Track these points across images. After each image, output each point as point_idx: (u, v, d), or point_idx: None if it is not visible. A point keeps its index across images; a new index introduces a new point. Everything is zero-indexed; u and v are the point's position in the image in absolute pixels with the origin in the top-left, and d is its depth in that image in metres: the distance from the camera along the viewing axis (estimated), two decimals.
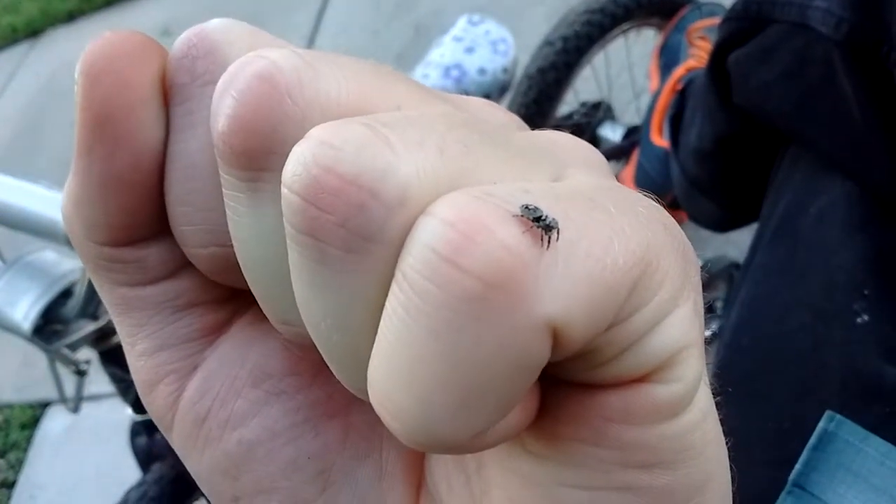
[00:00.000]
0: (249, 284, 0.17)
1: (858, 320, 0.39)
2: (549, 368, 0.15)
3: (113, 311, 0.20)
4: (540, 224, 0.14)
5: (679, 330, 0.15)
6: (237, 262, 0.17)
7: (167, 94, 0.18)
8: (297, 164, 0.14)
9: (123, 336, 0.20)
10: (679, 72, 1.10)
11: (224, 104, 0.15)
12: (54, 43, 3.29)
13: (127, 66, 0.17)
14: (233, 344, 0.20)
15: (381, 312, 0.14)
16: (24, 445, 2.01)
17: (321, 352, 0.16)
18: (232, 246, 0.17)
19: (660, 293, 0.15)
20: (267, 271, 0.17)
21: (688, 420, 0.16)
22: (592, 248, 0.14)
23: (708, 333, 1.48)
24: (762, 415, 0.41)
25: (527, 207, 0.14)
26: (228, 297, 0.20)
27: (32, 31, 3.39)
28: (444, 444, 0.14)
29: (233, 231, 0.17)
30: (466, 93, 1.24)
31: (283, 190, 0.14)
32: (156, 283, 0.20)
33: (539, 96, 1.41)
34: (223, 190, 0.17)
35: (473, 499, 0.19)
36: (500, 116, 0.18)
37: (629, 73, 1.63)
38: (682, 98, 0.80)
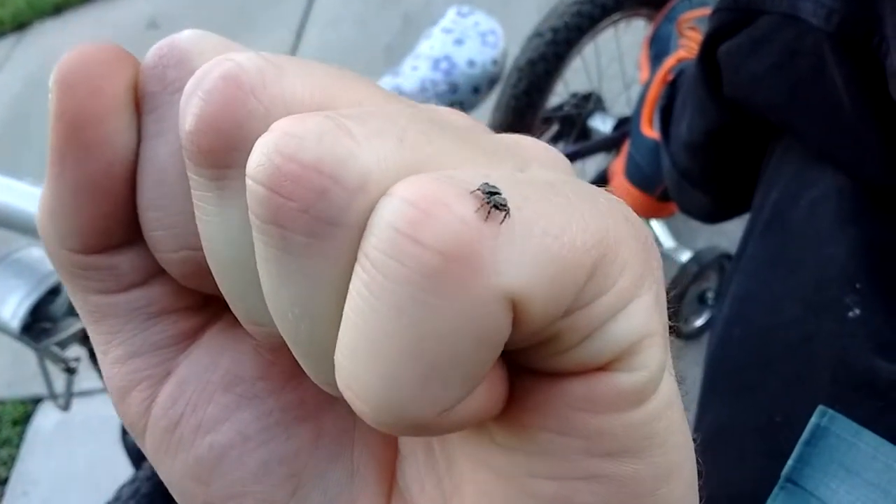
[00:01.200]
0: (219, 286, 0.18)
1: (850, 314, 0.39)
2: (516, 357, 0.16)
3: (86, 319, 0.20)
4: (492, 200, 0.14)
5: (641, 318, 0.16)
6: (208, 266, 0.18)
7: (139, 104, 0.18)
8: (260, 155, 0.15)
9: (97, 344, 0.20)
10: (669, 63, 1.09)
11: (191, 104, 0.16)
12: (41, 36, 3.27)
13: (100, 76, 0.18)
14: (205, 350, 0.21)
15: (345, 298, 0.15)
16: (16, 441, 2.00)
17: (290, 346, 0.17)
18: (201, 250, 0.18)
19: (620, 281, 0.15)
20: (235, 271, 0.17)
21: (652, 408, 0.16)
22: (549, 227, 0.14)
23: (699, 323, 1.49)
24: (754, 408, 0.41)
25: (486, 184, 0.14)
26: (201, 305, 0.21)
27: (19, 24, 3.37)
28: (410, 423, 0.15)
29: (202, 232, 0.17)
30: (456, 85, 1.24)
31: (248, 182, 0.15)
32: (129, 291, 0.20)
33: (529, 88, 1.41)
34: (192, 192, 0.17)
35: (445, 498, 0.19)
36: (466, 120, 0.18)
37: (619, 64, 1.63)
38: (672, 89, 0.80)
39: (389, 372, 0.14)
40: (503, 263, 0.14)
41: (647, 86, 1.12)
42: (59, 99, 0.18)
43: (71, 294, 0.20)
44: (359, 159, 0.14)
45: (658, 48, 1.23)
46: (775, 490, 0.36)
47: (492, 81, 1.28)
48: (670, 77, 1.04)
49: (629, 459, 0.16)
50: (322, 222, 0.14)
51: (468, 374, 0.15)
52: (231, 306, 0.18)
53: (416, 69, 1.24)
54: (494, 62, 1.25)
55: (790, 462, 0.36)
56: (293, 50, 2.71)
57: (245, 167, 0.15)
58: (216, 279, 0.18)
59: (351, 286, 0.15)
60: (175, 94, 0.18)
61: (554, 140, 1.63)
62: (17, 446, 1.99)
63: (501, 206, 0.14)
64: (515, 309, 0.14)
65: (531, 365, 0.16)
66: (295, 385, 0.21)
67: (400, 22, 2.58)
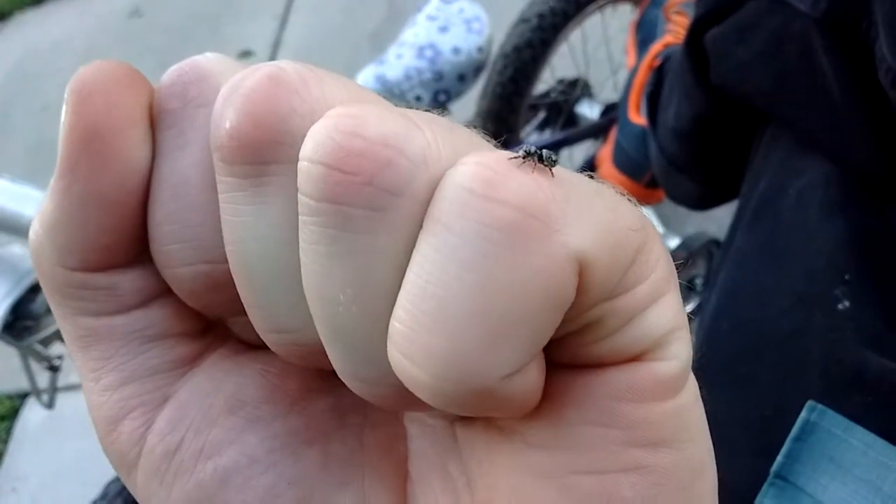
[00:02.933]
0: (244, 293, 0.18)
1: (840, 306, 0.38)
2: (556, 349, 0.17)
3: (76, 345, 0.20)
4: (544, 160, 0.16)
5: (673, 310, 0.17)
6: (222, 281, 0.18)
7: (154, 122, 0.19)
8: (319, 135, 0.15)
9: (86, 371, 0.20)
10: (656, 48, 1.08)
11: (231, 103, 0.16)
12: (22, 26, 3.23)
13: (117, 89, 0.18)
14: (207, 375, 0.20)
15: (402, 272, 0.15)
16: (4, 437, 1.99)
17: (330, 340, 0.17)
18: (220, 263, 0.18)
19: (656, 271, 0.16)
20: (266, 272, 0.17)
21: (686, 398, 0.17)
22: (607, 202, 0.15)
23: (688, 310, 1.50)
24: (743, 402, 0.40)
25: (530, 147, 0.16)
26: (201, 331, 0.20)
27: (0, 15, 3.33)
28: (473, 387, 0.15)
29: (231, 235, 0.17)
30: (441, 73, 1.23)
31: (303, 164, 0.15)
32: (128, 312, 0.19)
33: (515, 75, 1.40)
34: (221, 194, 0.17)
35: None
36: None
37: (606, 49, 1.62)
38: (659, 75, 0.79)
39: (458, 331, 0.14)
40: (574, 226, 0.15)
41: (633, 72, 1.12)
42: (75, 110, 0.17)
43: (60, 317, 0.19)
44: (419, 135, 0.15)
45: (645, 33, 1.22)
46: (765, 486, 0.35)
47: (477, 69, 1.27)
48: (657, 62, 1.03)
49: (667, 450, 0.17)
50: (387, 193, 0.15)
51: (534, 337, 0.15)
52: (254, 315, 0.18)
53: (400, 57, 1.22)
54: (480, 49, 1.24)
55: (779, 458, 0.35)
56: (277, 37, 2.69)
57: (287, 163, 0.16)
58: (241, 283, 0.18)
59: (416, 254, 0.15)
60: (199, 109, 0.18)
61: (541, 127, 1.63)
62: (5, 442, 1.98)
63: (554, 163, 0.16)
64: (580, 273, 0.15)
65: (570, 356, 0.17)
66: (301, 408, 0.20)
67: (385, 9, 2.56)
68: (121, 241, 0.18)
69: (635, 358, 0.17)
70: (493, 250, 0.14)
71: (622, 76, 1.38)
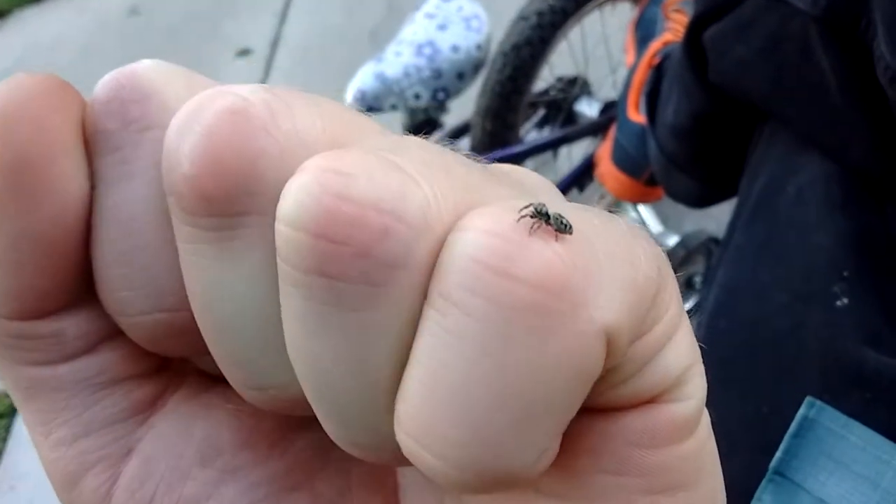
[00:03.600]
0: (215, 350, 0.16)
1: (838, 303, 0.38)
2: None
3: (19, 396, 0.17)
4: (559, 224, 0.14)
5: (687, 346, 0.16)
6: (188, 328, 0.16)
7: (89, 143, 0.16)
8: (301, 197, 0.13)
9: (33, 425, 0.17)
10: (655, 46, 1.08)
11: (188, 143, 0.14)
12: (22, 24, 3.23)
13: (46, 111, 0.15)
14: (173, 420, 0.18)
15: (406, 348, 0.14)
16: (3, 435, 1.99)
17: (321, 409, 0.15)
18: (182, 310, 0.16)
19: (670, 309, 0.15)
20: (242, 331, 0.15)
21: (700, 437, 0.16)
22: (626, 255, 0.14)
23: (686, 308, 1.50)
24: (742, 400, 0.41)
25: (539, 205, 0.14)
26: (158, 368, 0.18)
27: None
28: (500, 476, 0.14)
29: (196, 289, 0.15)
30: (440, 71, 1.23)
31: (283, 229, 0.13)
32: (74, 360, 0.17)
33: (514, 73, 1.40)
34: (182, 244, 0.15)
35: None
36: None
37: (605, 47, 1.62)
38: (658, 73, 0.79)
39: (479, 422, 0.13)
40: (599, 297, 0.13)
41: (632, 70, 1.12)
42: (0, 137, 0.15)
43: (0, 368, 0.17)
44: (417, 193, 0.13)
45: (644, 31, 1.22)
46: (763, 482, 0.36)
47: (476, 67, 1.27)
48: (656, 61, 1.03)
49: (684, 492, 0.16)
50: (384, 267, 0.13)
51: (564, 415, 0.14)
52: (227, 370, 0.16)
53: (399, 55, 1.22)
54: (478, 47, 1.24)
55: (778, 454, 0.35)
56: (277, 34, 2.69)
57: (259, 213, 0.14)
58: (212, 341, 0.16)
59: (424, 333, 0.13)
60: (144, 133, 0.16)
61: (540, 125, 1.63)
62: (4, 440, 1.98)
63: (567, 228, 0.14)
64: (608, 339, 0.13)
65: (585, 403, 0.15)
66: (281, 450, 0.19)
67: (385, 7, 2.56)
68: (62, 284, 0.16)
69: (651, 400, 0.15)
70: (515, 333, 0.13)
71: (621, 74, 1.38)
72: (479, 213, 0.13)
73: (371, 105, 1.22)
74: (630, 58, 1.20)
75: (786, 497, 0.35)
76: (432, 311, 0.13)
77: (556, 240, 0.13)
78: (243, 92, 0.14)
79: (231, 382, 0.16)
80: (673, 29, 1.13)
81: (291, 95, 0.15)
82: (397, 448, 0.14)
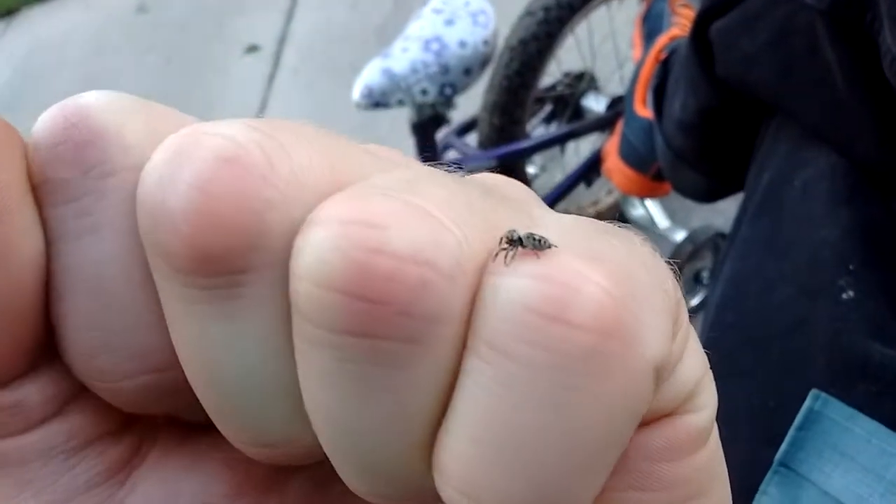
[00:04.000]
0: (214, 410, 0.15)
1: (844, 296, 0.38)
2: None
3: None
4: (534, 245, 0.13)
5: (699, 357, 0.15)
6: (179, 386, 0.15)
7: (37, 192, 0.14)
8: (326, 253, 0.12)
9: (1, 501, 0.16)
10: (662, 41, 1.08)
11: (178, 197, 0.13)
12: (29, 22, 3.24)
13: None
14: (157, 478, 0.17)
15: (445, 398, 0.13)
16: None
17: (346, 463, 0.14)
18: (171, 369, 0.15)
19: (684, 323, 0.15)
20: (248, 390, 0.14)
21: (711, 446, 0.16)
22: (658, 282, 0.14)
23: (694, 303, 1.49)
24: (747, 392, 0.41)
25: (529, 237, 0.13)
26: (130, 421, 0.16)
27: (7, 11, 3.33)
28: None
29: (191, 351, 0.14)
30: (447, 66, 1.23)
31: (306, 287, 0.12)
32: (39, 428, 0.15)
33: (521, 68, 1.40)
34: (173, 305, 0.14)
35: None
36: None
37: (613, 42, 1.62)
38: (665, 68, 0.79)
39: (539, 471, 0.13)
40: (646, 330, 0.13)
41: (640, 65, 1.12)
42: None
43: None
44: (449, 239, 0.12)
45: (651, 26, 1.22)
46: (769, 474, 0.36)
47: (483, 62, 1.27)
48: (663, 55, 1.03)
49: (699, 501, 0.16)
50: (425, 321, 0.12)
51: (617, 453, 0.14)
52: (227, 429, 0.15)
53: (406, 51, 1.23)
54: (486, 42, 1.24)
55: (783, 446, 0.35)
56: (284, 31, 2.69)
57: (264, 269, 0.13)
58: (209, 404, 0.15)
59: (470, 384, 0.13)
60: (106, 180, 0.14)
61: (547, 120, 1.63)
62: None
63: (544, 243, 0.13)
64: (655, 374, 0.13)
65: None
66: (279, 494, 0.17)
67: (391, 3, 2.56)
68: (20, 352, 0.14)
69: (669, 414, 0.15)
70: (573, 381, 0.12)
71: (628, 69, 1.38)
72: (526, 260, 0.13)
73: (378, 101, 1.23)
74: (637, 53, 1.20)
75: (791, 489, 0.35)
76: (478, 361, 0.13)
77: (539, 258, 0.13)
78: (230, 133, 0.13)
79: (232, 441, 0.15)
80: (680, 24, 1.13)
81: (280, 131, 0.14)
82: (426, 495, 0.14)
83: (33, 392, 0.15)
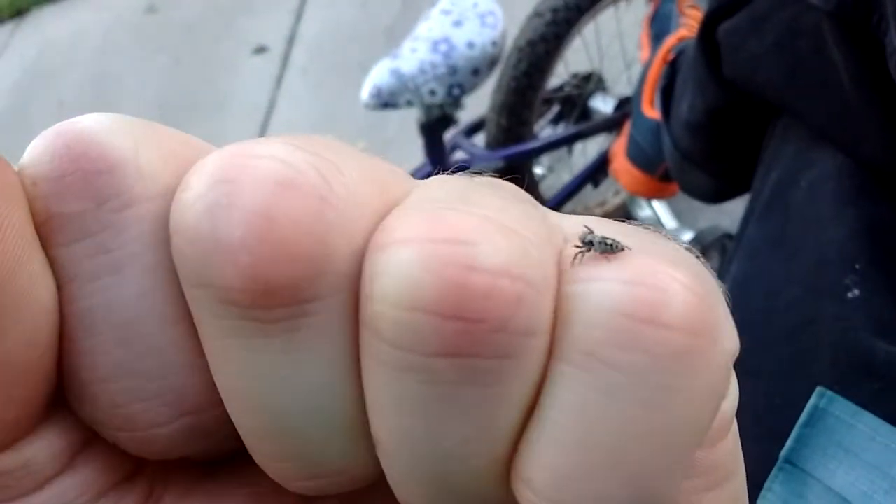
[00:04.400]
0: (263, 445, 0.14)
1: (849, 295, 0.39)
2: None
3: None
4: (604, 249, 0.13)
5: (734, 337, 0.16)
6: (213, 428, 0.14)
7: (40, 229, 0.13)
8: (416, 273, 0.12)
9: None
10: (670, 42, 1.08)
11: (237, 227, 0.12)
12: (40, 22, 3.25)
13: None
14: None
15: (529, 411, 0.13)
16: None
17: (419, 485, 0.14)
18: (211, 409, 0.14)
19: None
20: (305, 424, 0.13)
21: (735, 429, 0.16)
22: (709, 273, 0.14)
23: None
24: (753, 391, 0.41)
25: (601, 240, 0.14)
26: (140, 465, 0.15)
27: (17, 11, 3.35)
28: None
29: (241, 388, 0.13)
30: (455, 67, 1.23)
31: (389, 311, 0.12)
32: (49, 484, 0.14)
33: (529, 69, 1.40)
34: (221, 341, 0.13)
35: None
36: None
37: (620, 43, 1.62)
38: (672, 69, 0.79)
39: (637, 471, 0.13)
40: (724, 324, 0.13)
41: (647, 66, 1.12)
42: None
43: None
44: (533, 250, 0.12)
45: (659, 27, 1.22)
46: (774, 471, 0.36)
47: (491, 63, 1.27)
48: (671, 56, 1.03)
49: (730, 482, 0.16)
50: (520, 336, 0.12)
51: (700, 447, 0.14)
52: (273, 466, 0.14)
53: (415, 51, 1.23)
54: (494, 43, 1.25)
55: (788, 443, 0.36)
56: (293, 31, 2.70)
57: (330, 296, 0.12)
58: (257, 440, 0.14)
59: (563, 394, 0.12)
60: (124, 212, 0.13)
61: (555, 121, 1.63)
62: None
63: (616, 247, 0.13)
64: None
65: None
66: None
67: (400, 3, 2.57)
68: (32, 409, 0.13)
69: None
70: (669, 381, 0.12)
71: (636, 70, 1.38)
72: (627, 264, 0.13)
73: (387, 101, 1.23)
74: (645, 54, 1.21)
75: (796, 485, 0.35)
76: (572, 368, 0.12)
77: (609, 261, 0.13)
78: (281, 155, 0.12)
79: (274, 475, 0.14)
80: (688, 25, 1.13)
81: (326, 150, 0.13)
82: None
83: (41, 449, 0.14)
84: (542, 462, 0.13)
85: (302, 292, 0.12)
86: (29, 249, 0.12)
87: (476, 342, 0.12)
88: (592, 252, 0.13)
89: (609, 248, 0.13)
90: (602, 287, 0.12)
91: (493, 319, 0.12)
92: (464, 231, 0.12)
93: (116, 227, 0.13)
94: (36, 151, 0.13)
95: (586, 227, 0.14)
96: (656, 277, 0.12)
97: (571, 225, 0.14)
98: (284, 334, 0.12)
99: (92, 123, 0.13)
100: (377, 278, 0.12)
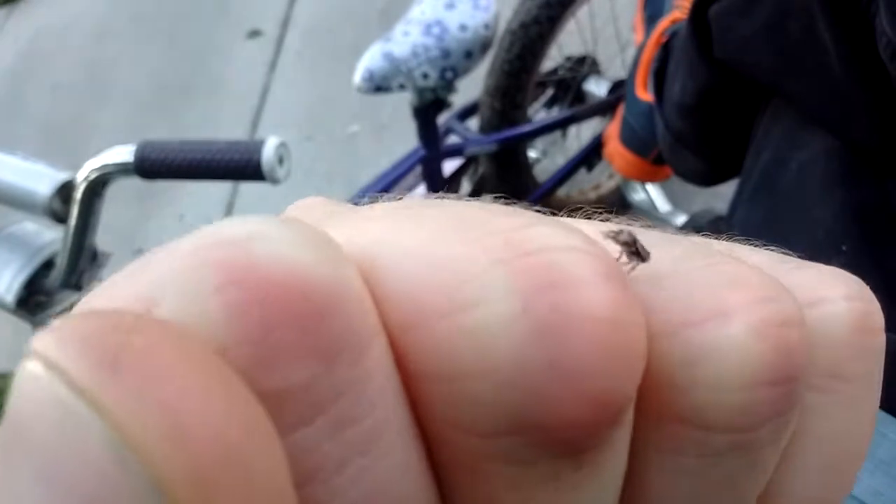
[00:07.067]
0: None
1: None
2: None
3: None
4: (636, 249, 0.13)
5: None
6: None
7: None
8: (754, 345, 0.11)
9: None
10: (663, 24, 1.08)
11: (578, 342, 0.09)
12: (33, 7, 3.23)
13: (239, 438, 0.08)
14: None
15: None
16: None
17: None
18: None
19: None
20: None
21: None
22: None
23: None
24: None
25: (626, 235, 0.14)
26: None
27: None
28: None
29: None
30: (448, 50, 1.22)
31: (725, 396, 0.11)
32: None
33: (522, 52, 1.40)
34: (524, 492, 0.10)
35: None
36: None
37: (614, 26, 1.61)
38: (665, 51, 0.79)
39: (854, 471, 0.14)
40: None
41: (641, 48, 1.11)
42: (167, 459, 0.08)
43: None
44: (786, 292, 0.12)
45: (653, 9, 1.22)
46: None
47: (484, 46, 1.26)
48: (664, 39, 1.03)
49: None
50: (798, 382, 0.12)
51: None
52: None
53: (407, 35, 1.22)
54: (486, 26, 1.24)
55: None
56: (287, 15, 2.68)
57: (631, 409, 0.11)
58: None
59: (813, 422, 0.13)
60: (361, 364, 0.09)
61: (549, 104, 1.62)
62: None
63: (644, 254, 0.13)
64: None
65: None
66: None
67: None
68: None
69: None
70: (878, 380, 0.13)
71: (630, 53, 1.38)
72: (830, 282, 0.14)
73: (379, 85, 1.23)
74: (639, 36, 1.20)
75: None
76: (818, 394, 0.13)
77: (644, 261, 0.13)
78: (574, 244, 0.10)
79: None
80: (681, 7, 1.12)
81: (566, 226, 0.11)
82: None
83: None
84: (794, 496, 0.13)
85: (627, 410, 0.10)
86: (269, 437, 0.09)
87: (794, 398, 0.11)
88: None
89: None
90: (832, 309, 0.13)
91: (798, 368, 0.11)
92: (763, 287, 0.11)
93: (357, 388, 0.09)
94: (193, 295, 0.08)
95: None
96: (863, 290, 0.13)
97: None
98: (589, 466, 0.10)
99: (260, 242, 0.09)
100: (700, 363, 0.11)
